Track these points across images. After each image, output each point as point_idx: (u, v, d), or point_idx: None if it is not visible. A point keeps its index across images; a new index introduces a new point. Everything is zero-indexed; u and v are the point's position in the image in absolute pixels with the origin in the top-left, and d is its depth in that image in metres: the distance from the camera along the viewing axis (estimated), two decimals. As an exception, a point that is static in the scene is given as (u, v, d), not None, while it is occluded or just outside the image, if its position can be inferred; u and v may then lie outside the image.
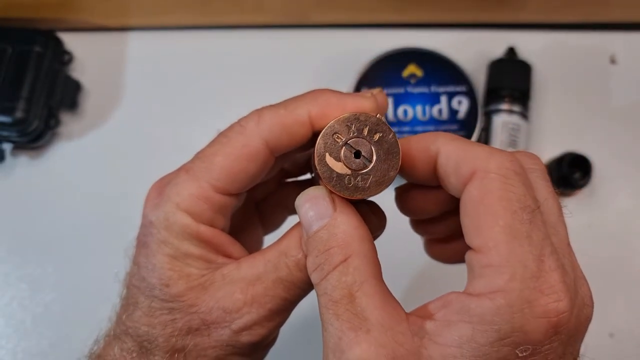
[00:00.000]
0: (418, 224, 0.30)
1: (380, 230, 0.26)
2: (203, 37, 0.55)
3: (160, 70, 0.54)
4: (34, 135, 0.49)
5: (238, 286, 0.25)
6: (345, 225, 0.23)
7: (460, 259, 0.28)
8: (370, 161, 0.23)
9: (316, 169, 0.23)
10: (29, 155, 0.51)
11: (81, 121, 0.52)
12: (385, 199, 0.26)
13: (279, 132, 0.25)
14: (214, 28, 0.55)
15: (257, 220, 0.33)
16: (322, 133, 0.23)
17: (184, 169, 0.26)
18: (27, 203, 0.50)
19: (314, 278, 0.23)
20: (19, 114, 0.47)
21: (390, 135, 0.23)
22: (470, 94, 0.50)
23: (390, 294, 0.22)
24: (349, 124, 0.23)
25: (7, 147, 0.51)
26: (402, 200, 0.28)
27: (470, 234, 0.21)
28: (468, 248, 0.22)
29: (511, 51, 0.51)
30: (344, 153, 0.23)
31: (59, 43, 0.51)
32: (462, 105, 0.49)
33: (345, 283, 0.22)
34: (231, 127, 0.25)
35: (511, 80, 0.50)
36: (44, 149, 0.51)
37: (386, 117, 0.48)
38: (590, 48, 0.54)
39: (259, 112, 0.25)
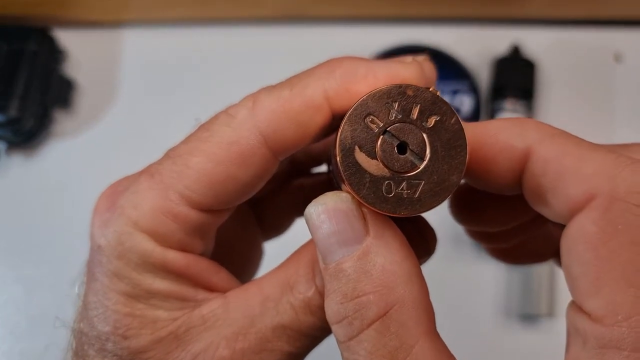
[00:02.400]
0: (477, 233, 0.23)
1: (427, 256, 0.20)
2: (200, 33, 0.54)
3: (156, 67, 0.53)
4: (29, 134, 0.48)
5: (223, 336, 0.18)
6: (385, 258, 0.16)
7: (530, 262, 0.23)
8: (422, 159, 0.16)
9: (339, 168, 0.16)
10: (23, 154, 0.51)
11: (76, 120, 0.52)
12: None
13: (283, 122, 0.17)
14: (210, 25, 0.54)
15: (253, 222, 0.26)
16: (348, 114, 0.16)
17: (148, 171, 0.19)
18: (22, 203, 0.50)
19: (338, 333, 0.16)
20: (12, 113, 0.46)
21: (453, 120, 0.16)
22: (473, 91, 0.49)
23: (449, 355, 0.16)
24: (389, 101, 0.16)
25: (1, 146, 0.50)
26: (460, 206, 0.21)
27: (583, 290, 0.15)
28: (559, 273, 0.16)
29: (515, 50, 0.51)
30: (382, 146, 0.16)
31: (52, 41, 0.51)
32: (464, 104, 0.49)
33: (386, 349, 0.15)
34: (216, 118, 0.18)
35: (515, 79, 0.49)
36: (38, 148, 0.51)
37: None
38: (596, 45, 0.53)
39: (254, 96, 0.18)
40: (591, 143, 0.16)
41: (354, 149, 0.16)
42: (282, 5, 0.53)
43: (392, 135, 0.16)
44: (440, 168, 0.16)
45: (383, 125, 0.16)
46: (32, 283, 0.47)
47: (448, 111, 0.16)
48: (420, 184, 0.16)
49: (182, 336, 0.18)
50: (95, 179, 0.49)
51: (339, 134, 0.16)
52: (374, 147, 0.16)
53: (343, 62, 0.18)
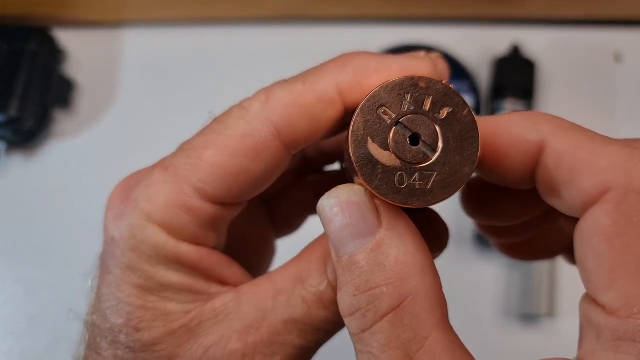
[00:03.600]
0: (488, 228, 0.23)
1: (440, 250, 0.19)
2: (199, 33, 0.54)
3: (156, 67, 0.53)
4: (29, 134, 0.48)
5: (235, 329, 0.18)
6: (398, 250, 0.15)
7: (539, 258, 0.23)
8: (435, 150, 0.16)
9: (351, 159, 0.16)
10: (24, 154, 0.51)
11: (76, 120, 0.52)
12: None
13: (295, 115, 0.17)
14: (210, 24, 0.54)
15: (265, 220, 0.26)
16: (361, 106, 0.16)
17: (161, 165, 0.19)
18: (22, 203, 0.50)
19: (351, 326, 0.16)
20: (13, 113, 0.46)
21: (465, 112, 0.16)
22: (474, 91, 0.49)
23: (462, 347, 0.16)
24: (401, 92, 0.16)
25: (1, 146, 0.50)
26: (472, 199, 0.21)
27: (598, 283, 0.15)
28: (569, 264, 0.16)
29: (515, 50, 0.51)
30: (394, 137, 0.16)
31: (52, 41, 0.51)
32: (464, 103, 0.49)
33: (399, 341, 0.15)
34: (230, 111, 0.18)
35: (515, 79, 0.49)
36: (38, 148, 0.51)
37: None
38: (596, 45, 0.53)
39: (267, 90, 0.18)
40: (605, 137, 0.16)
41: (366, 140, 0.16)
42: (282, 5, 0.53)
43: (405, 126, 0.16)
44: (453, 159, 0.16)
45: (395, 117, 0.16)
46: (32, 283, 0.47)
47: (460, 103, 0.16)
48: (432, 175, 0.16)
49: (195, 329, 0.18)
50: (95, 179, 0.49)
51: (351, 125, 0.16)
52: (387, 138, 0.16)
53: (355, 57, 0.18)
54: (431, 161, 0.16)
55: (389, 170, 0.16)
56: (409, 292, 0.15)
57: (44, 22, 0.52)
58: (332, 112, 0.18)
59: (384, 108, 0.16)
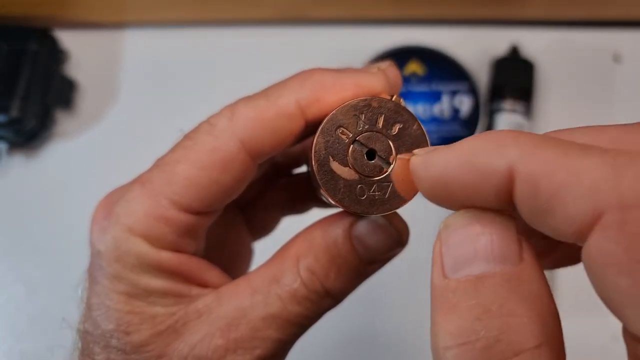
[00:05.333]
0: None
1: (401, 246, 0.21)
2: (201, 34, 0.54)
3: (158, 68, 0.53)
4: (30, 134, 0.48)
5: (217, 327, 0.19)
6: (540, 287, 0.14)
7: (557, 264, 0.22)
8: (390, 163, 0.17)
9: (315, 176, 0.18)
10: (25, 154, 0.51)
11: (77, 120, 0.52)
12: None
13: (259, 129, 0.19)
14: (211, 25, 0.54)
15: (242, 224, 0.27)
16: (321, 128, 0.17)
17: (139, 181, 0.20)
18: (23, 203, 0.50)
19: (449, 355, 0.13)
20: (14, 113, 0.46)
21: (415, 126, 0.17)
22: (473, 92, 0.49)
23: None
24: (357, 113, 0.17)
25: (2, 146, 0.50)
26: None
27: (633, 320, 0.13)
28: (569, 254, 0.15)
29: (514, 50, 0.51)
30: (352, 154, 0.17)
31: (54, 41, 0.51)
32: (464, 104, 0.49)
33: None
34: (198, 127, 0.20)
35: (514, 80, 0.49)
36: (39, 148, 0.51)
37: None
38: (595, 46, 0.53)
39: (232, 106, 0.20)
40: (580, 146, 0.13)
41: (328, 158, 0.17)
42: (282, 7, 0.53)
43: (361, 143, 0.17)
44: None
45: (353, 136, 0.17)
46: (32, 283, 0.47)
47: (410, 119, 0.17)
48: (389, 185, 0.17)
49: (180, 329, 0.20)
50: (96, 179, 0.49)
51: (313, 145, 0.17)
52: (346, 155, 0.17)
53: (313, 74, 0.20)
54: (387, 173, 0.17)
55: (350, 184, 0.17)
56: (548, 335, 0.13)
57: (45, 23, 0.52)
58: (293, 126, 0.19)
59: (341, 128, 0.17)
